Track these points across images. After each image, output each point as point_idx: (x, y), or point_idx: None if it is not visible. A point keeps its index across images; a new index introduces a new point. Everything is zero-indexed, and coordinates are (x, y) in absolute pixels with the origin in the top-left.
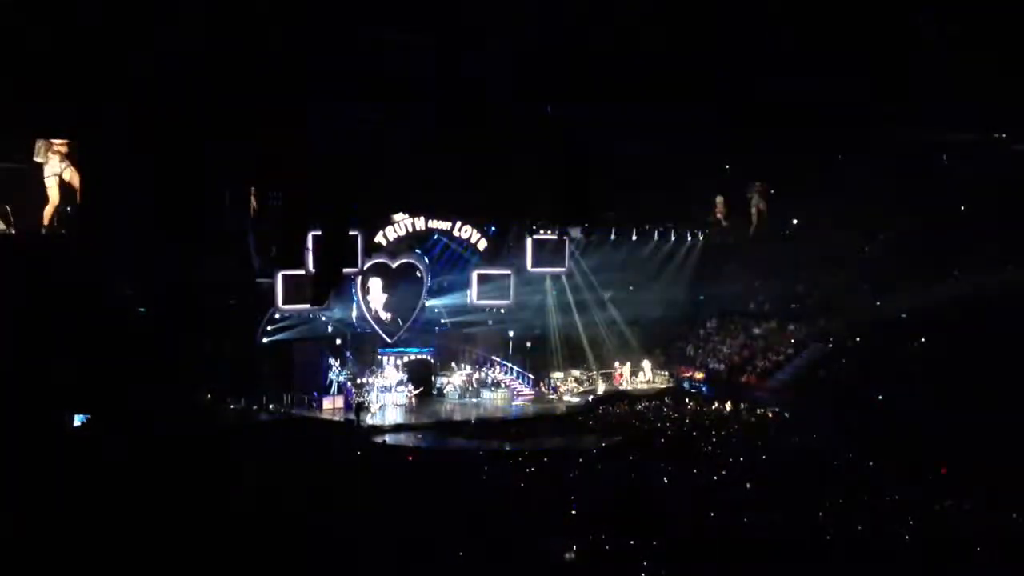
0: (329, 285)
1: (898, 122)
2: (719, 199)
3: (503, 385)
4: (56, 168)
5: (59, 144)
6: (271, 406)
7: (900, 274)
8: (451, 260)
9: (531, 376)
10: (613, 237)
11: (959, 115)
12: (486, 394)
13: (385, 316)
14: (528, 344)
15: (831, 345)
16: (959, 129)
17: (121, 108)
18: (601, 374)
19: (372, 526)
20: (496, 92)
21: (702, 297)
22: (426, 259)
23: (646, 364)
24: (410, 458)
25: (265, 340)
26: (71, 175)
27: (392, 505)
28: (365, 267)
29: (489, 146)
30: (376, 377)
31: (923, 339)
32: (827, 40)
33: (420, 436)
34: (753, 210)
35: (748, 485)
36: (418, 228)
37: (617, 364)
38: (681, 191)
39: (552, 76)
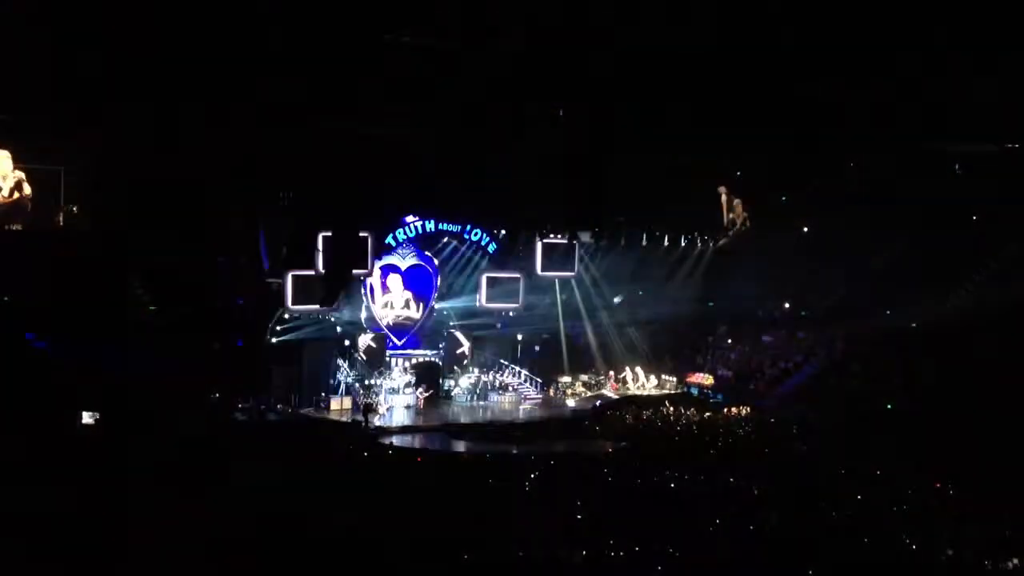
0: (339, 286)
1: (913, 127)
2: (732, 202)
3: (511, 388)
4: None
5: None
6: (279, 406)
7: (911, 283)
8: (460, 263)
9: (539, 380)
10: (623, 242)
11: (975, 122)
12: (494, 397)
13: (394, 318)
14: (536, 348)
15: (841, 353)
16: (975, 137)
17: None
18: (610, 379)
19: (378, 528)
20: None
21: (711, 303)
22: (435, 261)
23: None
24: (418, 459)
25: (274, 340)
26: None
27: (398, 507)
28: (374, 268)
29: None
30: (384, 379)
31: (933, 348)
32: (841, 40)
33: (427, 438)
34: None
35: (755, 492)
36: (428, 230)
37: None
38: (691, 195)
39: (560, 77)
